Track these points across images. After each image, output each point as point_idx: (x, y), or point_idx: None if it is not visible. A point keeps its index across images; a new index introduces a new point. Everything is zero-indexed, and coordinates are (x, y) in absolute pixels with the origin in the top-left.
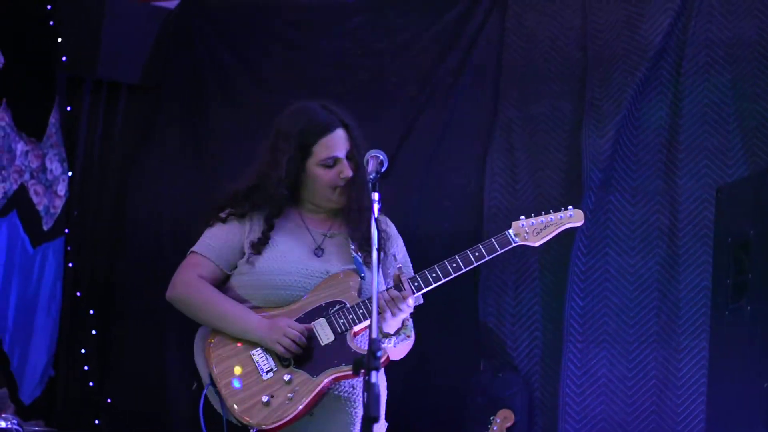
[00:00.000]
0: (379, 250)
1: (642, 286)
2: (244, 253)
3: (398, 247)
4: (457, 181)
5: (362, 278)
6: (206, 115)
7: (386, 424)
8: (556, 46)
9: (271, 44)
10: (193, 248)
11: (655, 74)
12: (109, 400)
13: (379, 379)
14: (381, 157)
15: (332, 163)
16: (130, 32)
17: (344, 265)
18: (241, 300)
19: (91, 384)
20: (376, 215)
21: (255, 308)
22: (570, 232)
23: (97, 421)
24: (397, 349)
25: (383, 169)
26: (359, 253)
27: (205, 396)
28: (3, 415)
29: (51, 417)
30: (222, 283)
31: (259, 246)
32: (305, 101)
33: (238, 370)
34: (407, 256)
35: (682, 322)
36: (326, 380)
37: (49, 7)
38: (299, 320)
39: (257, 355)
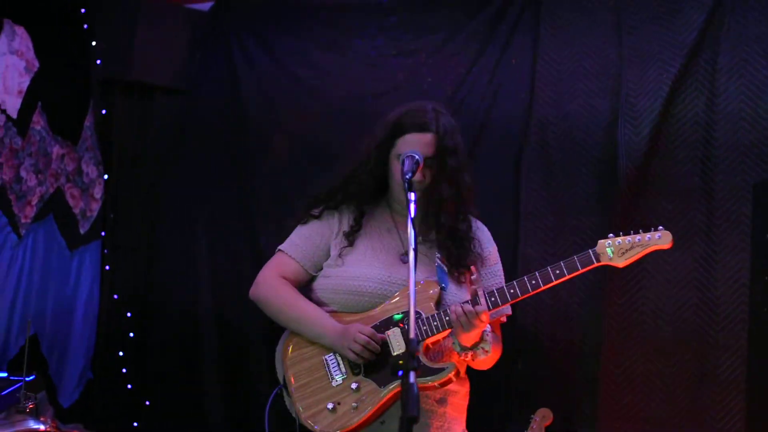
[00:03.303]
0: (416, 251)
1: (679, 283)
2: (329, 254)
3: (491, 260)
4: (493, 180)
5: (443, 289)
6: (241, 117)
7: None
8: (590, 43)
9: (306, 45)
10: (281, 246)
11: (691, 70)
12: (147, 403)
13: (463, 385)
14: (417, 157)
15: None
16: (163, 35)
17: (428, 274)
18: (320, 303)
19: (129, 386)
20: (412, 215)
21: (333, 313)
22: (607, 230)
23: (135, 424)
24: (478, 361)
25: (417, 169)
26: (445, 263)
27: (280, 396)
28: (42, 419)
29: (89, 420)
30: (306, 284)
31: (351, 235)
32: (423, 101)
33: (309, 373)
34: (500, 265)
35: (720, 319)
36: (392, 393)
37: (83, 10)
38: (374, 328)
39: (330, 360)
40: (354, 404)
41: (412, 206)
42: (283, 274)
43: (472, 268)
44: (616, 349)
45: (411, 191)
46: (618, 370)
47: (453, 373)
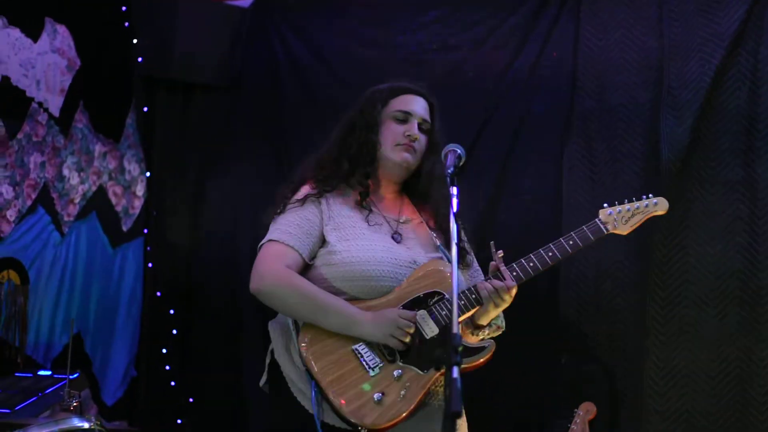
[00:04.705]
0: (458, 245)
1: (723, 276)
2: (322, 241)
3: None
4: (535, 174)
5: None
6: (283, 114)
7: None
8: (631, 35)
9: (347, 41)
10: (272, 236)
11: (732, 61)
12: (191, 400)
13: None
14: (459, 151)
15: (402, 117)
16: (204, 32)
17: (428, 252)
18: (334, 292)
19: (172, 383)
20: (455, 209)
21: (348, 301)
22: (650, 222)
23: (179, 421)
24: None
25: (461, 164)
26: (441, 242)
27: (286, 388)
28: (86, 417)
29: (133, 417)
30: (303, 273)
31: (364, 199)
32: None
33: (340, 366)
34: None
35: (764, 311)
36: (437, 375)
37: (123, 8)
38: None
39: (361, 349)
40: (402, 392)
41: (455, 201)
42: (286, 264)
43: (491, 243)
44: (660, 343)
45: (453, 185)
46: (661, 363)
47: (493, 349)
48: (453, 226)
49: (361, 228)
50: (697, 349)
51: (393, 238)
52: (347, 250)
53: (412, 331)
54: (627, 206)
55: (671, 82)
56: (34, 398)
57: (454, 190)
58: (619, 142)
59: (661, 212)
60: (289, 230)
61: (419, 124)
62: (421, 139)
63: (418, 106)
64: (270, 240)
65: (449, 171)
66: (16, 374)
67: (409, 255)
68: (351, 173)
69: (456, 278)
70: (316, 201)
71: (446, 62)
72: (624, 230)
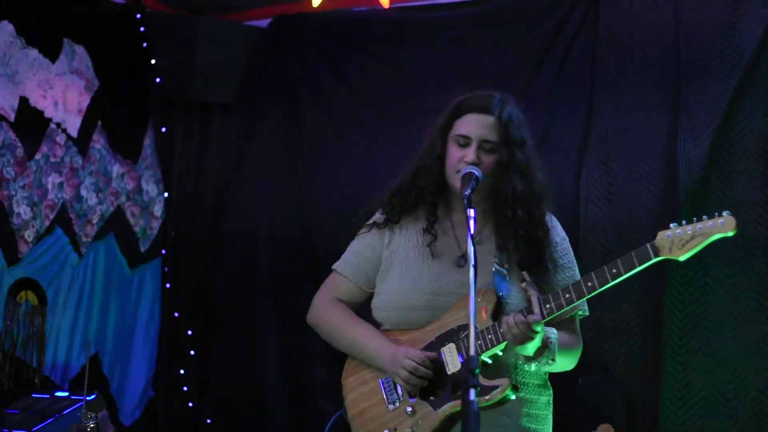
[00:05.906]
0: (476, 267)
1: (741, 296)
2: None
3: (561, 253)
4: (553, 194)
5: (501, 297)
6: (301, 133)
7: None
8: (649, 56)
9: (365, 59)
10: (334, 265)
11: (750, 82)
12: (209, 421)
13: (542, 394)
14: (476, 173)
15: (463, 142)
16: (222, 52)
17: (484, 280)
18: (377, 323)
19: (190, 404)
20: (471, 231)
21: (387, 332)
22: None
23: None
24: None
25: (479, 186)
26: (504, 267)
27: (340, 423)
28: None
29: None
30: (366, 301)
31: (431, 228)
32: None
33: (368, 398)
34: (573, 261)
35: None
36: (446, 415)
37: (142, 29)
38: (430, 345)
39: (385, 384)
40: (409, 430)
41: (472, 222)
42: (337, 295)
43: (523, 273)
44: (677, 364)
45: (470, 208)
46: (679, 384)
47: (505, 388)
48: (470, 248)
49: (415, 256)
50: (715, 370)
51: (457, 262)
52: (391, 278)
53: (417, 372)
54: (688, 227)
55: (689, 103)
56: (52, 419)
57: (472, 212)
58: (636, 163)
59: (729, 232)
60: (348, 258)
61: (480, 146)
62: (485, 161)
63: (477, 126)
64: (332, 269)
65: (466, 193)
66: (34, 395)
67: (463, 279)
68: (417, 204)
69: (473, 303)
70: (380, 229)
71: (464, 81)
72: (679, 254)
